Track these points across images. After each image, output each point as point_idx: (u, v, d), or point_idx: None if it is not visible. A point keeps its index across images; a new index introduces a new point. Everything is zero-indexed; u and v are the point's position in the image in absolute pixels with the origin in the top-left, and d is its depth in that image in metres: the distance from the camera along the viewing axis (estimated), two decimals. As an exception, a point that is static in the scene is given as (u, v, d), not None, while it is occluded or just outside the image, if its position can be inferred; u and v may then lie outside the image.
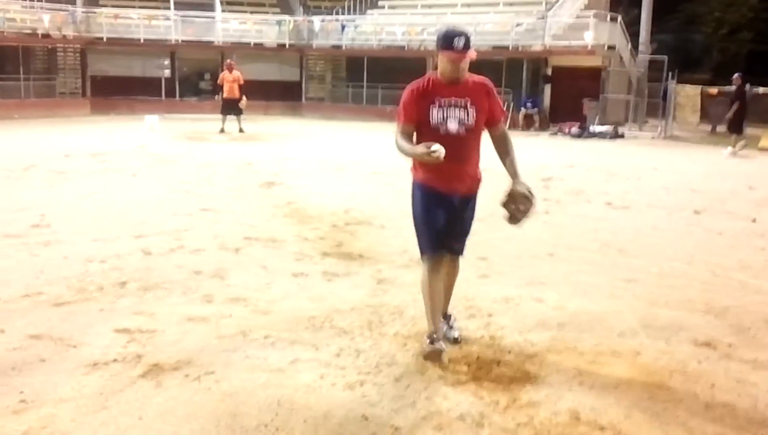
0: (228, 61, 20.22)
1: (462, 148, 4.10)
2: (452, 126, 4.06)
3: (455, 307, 5.14)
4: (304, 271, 6.08)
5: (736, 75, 19.40)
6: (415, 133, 4.15)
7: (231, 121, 19.65)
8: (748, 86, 19.39)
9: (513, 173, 4.28)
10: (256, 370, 3.93)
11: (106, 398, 3.56)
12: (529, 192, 4.23)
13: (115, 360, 4.04)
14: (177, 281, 5.66)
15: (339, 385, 3.76)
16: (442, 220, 4.19)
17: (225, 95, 19.70)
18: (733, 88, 19.32)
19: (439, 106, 4.06)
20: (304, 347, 4.30)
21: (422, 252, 4.29)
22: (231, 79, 19.51)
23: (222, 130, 19.49)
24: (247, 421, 3.35)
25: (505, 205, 4.27)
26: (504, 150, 4.38)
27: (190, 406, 3.49)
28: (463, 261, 6.58)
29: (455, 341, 4.42)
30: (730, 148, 18.10)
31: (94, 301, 5.10)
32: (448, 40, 3.96)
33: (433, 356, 4.07)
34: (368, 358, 4.15)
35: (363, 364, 4.06)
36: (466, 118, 4.08)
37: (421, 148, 3.89)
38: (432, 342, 4.11)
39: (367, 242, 7.24)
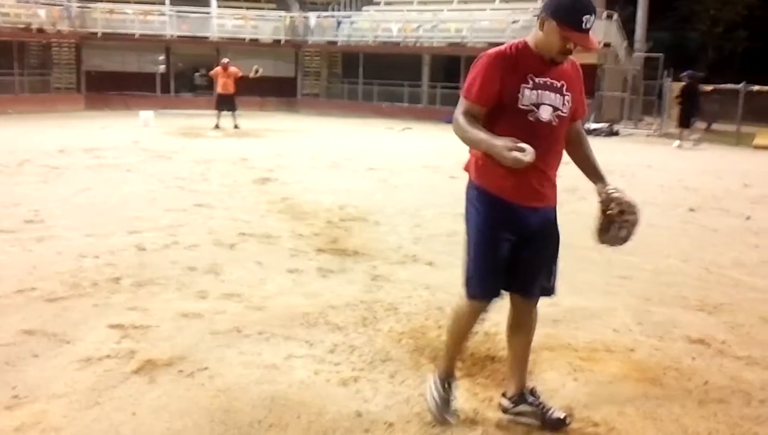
0: (224, 61, 20.19)
1: (550, 143, 3.14)
2: (545, 114, 3.10)
3: (450, 303, 5.15)
4: (299, 267, 6.07)
5: (684, 73, 20.34)
6: (484, 118, 3.12)
7: (226, 117, 19.62)
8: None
9: (601, 176, 3.26)
10: (249, 366, 3.92)
11: (99, 394, 3.55)
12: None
13: (108, 356, 4.02)
14: (171, 277, 5.64)
15: (333, 381, 3.75)
16: (511, 248, 3.17)
17: (219, 90, 19.69)
18: (732, 86, 19.99)
19: (534, 86, 3.09)
20: (298, 343, 4.29)
21: (471, 291, 3.23)
22: (225, 75, 19.49)
23: (217, 126, 19.47)
24: (241, 417, 3.34)
25: (612, 217, 3.17)
26: (584, 149, 3.35)
27: (184, 402, 3.48)
28: (459, 258, 6.63)
29: (563, 423, 3.30)
30: (677, 142, 19.55)
31: (87, 297, 5.08)
32: (575, 15, 2.98)
33: (440, 421, 3.34)
34: (362, 354, 4.14)
35: (357, 360, 4.06)
36: (561, 105, 3.13)
37: (503, 142, 2.91)
38: (445, 401, 3.37)
39: (362, 239, 7.23)
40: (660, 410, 3.52)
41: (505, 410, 3.40)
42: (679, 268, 6.52)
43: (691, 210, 9.64)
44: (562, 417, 3.29)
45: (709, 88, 24.11)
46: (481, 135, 3.00)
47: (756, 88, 22.44)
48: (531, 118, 3.08)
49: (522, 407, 3.36)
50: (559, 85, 3.12)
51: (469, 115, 3.09)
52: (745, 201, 10.58)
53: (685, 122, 19.94)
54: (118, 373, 3.81)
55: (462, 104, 3.14)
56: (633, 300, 5.42)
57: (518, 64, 3.09)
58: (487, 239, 3.16)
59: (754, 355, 4.35)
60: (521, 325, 3.40)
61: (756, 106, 23.52)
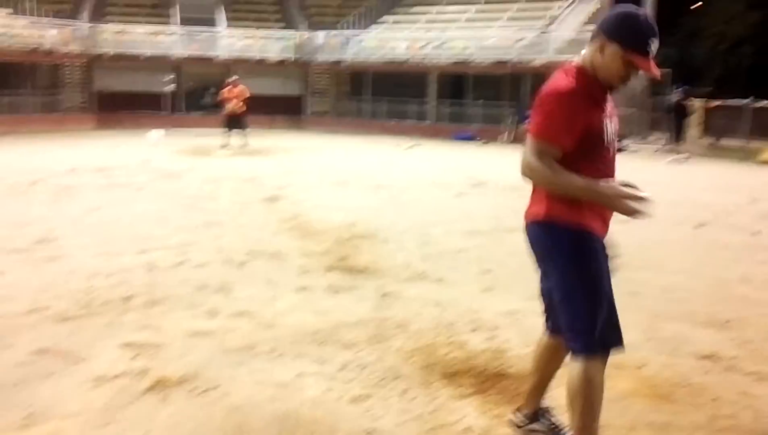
0: (232, 79, 20.32)
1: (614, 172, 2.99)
2: (614, 145, 2.98)
3: (459, 320, 5.19)
4: (309, 284, 6.11)
5: (678, 88, 20.74)
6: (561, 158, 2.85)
7: (235, 136, 19.70)
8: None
9: None
10: (261, 384, 3.95)
11: (113, 412, 3.58)
12: None
13: (121, 374, 4.05)
14: (182, 295, 5.68)
15: (344, 399, 3.78)
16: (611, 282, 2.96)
17: (229, 111, 19.80)
18: (738, 101, 20.19)
19: (608, 116, 2.92)
20: (309, 361, 4.32)
21: (606, 343, 2.92)
22: (234, 95, 19.61)
23: (226, 145, 19.57)
24: (254, 434, 3.37)
25: None
26: None
27: (197, 420, 3.51)
28: (468, 274, 6.69)
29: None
30: (670, 156, 20.23)
31: (100, 316, 5.12)
32: (641, 38, 2.81)
33: None
34: (373, 371, 4.17)
35: (368, 377, 4.08)
36: (614, 134, 2.99)
37: (613, 191, 2.77)
38: None
39: (372, 256, 7.27)
40: (671, 427, 3.54)
41: (518, 426, 3.41)
42: (688, 284, 6.52)
43: (700, 225, 9.64)
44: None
45: (715, 103, 24.18)
46: (579, 181, 2.78)
47: (763, 103, 22.46)
48: (611, 153, 2.94)
49: (535, 425, 3.38)
50: (612, 111, 2.97)
51: (548, 158, 2.79)
52: (752, 216, 10.57)
53: (678, 137, 20.31)
54: (131, 391, 3.84)
55: (536, 146, 2.81)
56: (642, 316, 5.43)
57: (592, 95, 2.87)
58: (595, 279, 2.88)
59: (763, 371, 4.36)
60: (561, 354, 3.27)
61: (763, 121, 23.55)
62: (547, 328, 3.31)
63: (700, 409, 3.76)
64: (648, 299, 5.95)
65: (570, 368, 2.98)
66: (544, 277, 3.15)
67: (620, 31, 2.82)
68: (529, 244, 3.10)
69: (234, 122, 19.69)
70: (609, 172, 2.90)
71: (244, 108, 19.75)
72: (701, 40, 40.61)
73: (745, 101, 22.04)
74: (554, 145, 2.79)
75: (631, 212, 2.75)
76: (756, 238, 8.89)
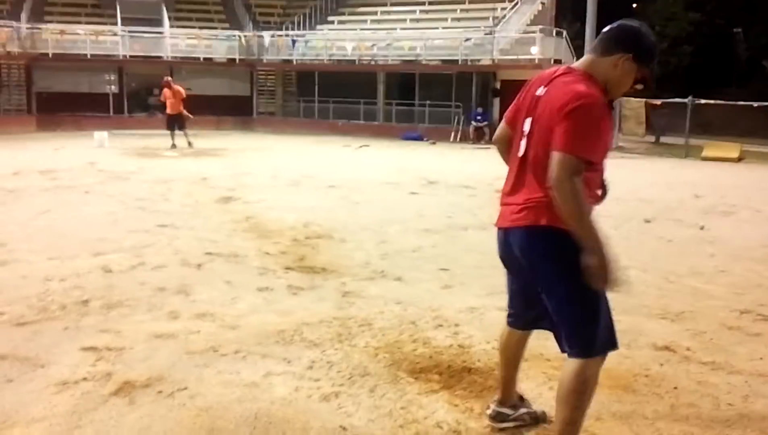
0: (165, 79, 20.12)
1: None
2: None
3: (422, 317, 5.24)
4: (269, 285, 6.08)
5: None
6: None
7: (179, 136, 19.57)
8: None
9: None
10: (229, 385, 3.93)
11: (79, 417, 3.52)
12: None
13: (84, 378, 3.99)
14: (141, 298, 5.60)
15: (314, 397, 3.79)
16: None
17: (168, 111, 19.65)
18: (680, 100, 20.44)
19: None
20: (275, 361, 4.32)
21: (605, 346, 3.01)
22: (172, 95, 19.47)
23: (173, 146, 19.40)
24: (225, 435, 3.36)
25: None
26: None
27: (166, 423, 3.48)
28: (426, 272, 6.75)
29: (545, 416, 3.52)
30: None
31: (57, 320, 5.02)
32: (652, 53, 3.02)
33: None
34: (341, 369, 4.18)
35: (336, 375, 4.09)
36: None
37: (610, 256, 2.80)
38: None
39: (329, 256, 7.27)
40: (635, 416, 3.64)
41: (503, 418, 3.46)
42: (640, 278, 6.68)
43: (647, 221, 9.90)
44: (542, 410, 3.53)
45: (657, 102, 24.80)
46: (594, 226, 2.76)
47: (702, 101, 23.13)
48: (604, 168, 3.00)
49: (521, 411, 3.49)
50: None
51: (579, 177, 2.73)
52: (697, 211, 10.90)
53: None
54: (96, 395, 3.78)
55: (570, 164, 2.72)
56: None
57: (606, 106, 2.89)
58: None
59: (718, 360, 4.51)
60: (524, 346, 3.47)
61: (702, 119, 24.29)
62: (516, 326, 3.39)
63: (662, 399, 3.88)
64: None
65: (567, 367, 3.01)
66: (524, 281, 3.15)
67: (639, 47, 2.94)
68: (517, 249, 3.03)
69: (175, 123, 19.56)
70: (601, 181, 3.03)
71: (182, 108, 19.64)
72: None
73: (686, 100, 22.66)
74: (586, 160, 2.77)
75: (607, 281, 2.80)
76: (702, 232, 9.16)
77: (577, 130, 2.76)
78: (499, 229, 3.18)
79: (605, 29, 3.07)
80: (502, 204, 3.17)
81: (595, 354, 2.96)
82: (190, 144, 19.48)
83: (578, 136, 2.76)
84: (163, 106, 19.92)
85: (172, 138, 19.65)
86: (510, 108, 3.28)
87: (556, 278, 2.93)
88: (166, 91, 19.68)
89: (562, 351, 3.07)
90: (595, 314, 2.91)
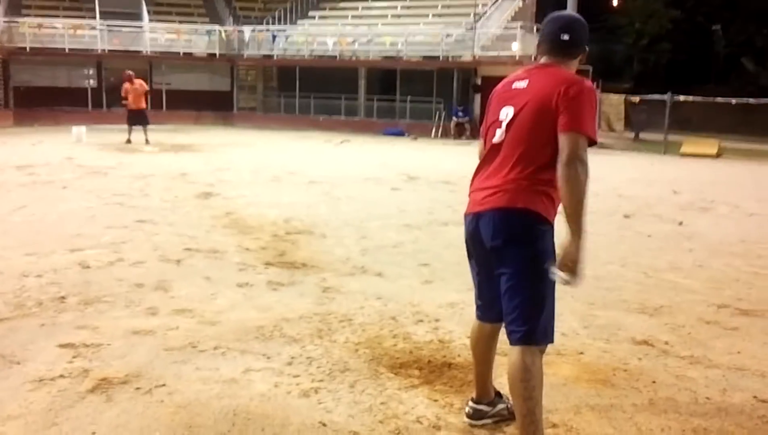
0: (127, 72, 19.76)
1: None
2: None
3: (402, 313, 5.23)
4: (249, 281, 6.05)
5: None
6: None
7: (137, 132, 19.32)
8: None
9: None
10: (208, 381, 3.90)
11: (55, 414, 3.48)
12: None
13: (61, 375, 3.94)
14: (119, 294, 5.55)
15: (294, 393, 3.76)
16: None
17: (131, 106, 19.37)
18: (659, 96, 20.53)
19: None
20: (255, 357, 4.29)
21: (551, 336, 3.12)
22: (133, 90, 19.21)
23: (128, 141, 19.21)
24: (204, 432, 3.33)
25: None
26: None
27: (144, 420, 3.45)
28: (407, 268, 6.74)
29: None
30: None
31: (33, 317, 4.96)
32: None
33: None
34: (321, 365, 4.17)
35: (316, 371, 4.08)
36: None
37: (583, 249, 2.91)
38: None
39: (309, 251, 7.25)
40: (614, 409, 3.65)
41: (482, 415, 3.46)
42: (619, 273, 6.73)
43: (626, 217, 9.96)
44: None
45: (636, 98, 24.96)
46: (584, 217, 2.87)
47: (681, 98, 23.30)
48: None
49: (500, 407, 3.49)
50: None
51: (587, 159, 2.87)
52: (676, 207, 10.98)
53: None
54: (73, 392, 3.74)
55: (584, 143, 2.88)
56: (578, 305, 5.57)
57: None
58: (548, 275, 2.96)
59: (696, 355, 4.54)
60: (496, 340, 3.47)
61: (680, 115, 24.45)
62: (486, 319, 3.37)
63: (640, 392, 3.90)
64: (582, 288, 6.02)
65: (510, 357, 3.06)
66: (489, 269, 3.14)
67: (587, 38, 3.15)
68: (487, 231, 3.03)
69: (137, 118, 19.33)
70: None
71: (143, 104, 19.42)
72: (621, 37, 41.76)
73: (665, 96, 22.81)
74: (593, 140, 2.93)
75: (575, 271, 2.86)
76: (680, 227, 9.23)
77: (584, 111, 2.89)
78: (468, 214, 3.17)
79: (556, 32, 3.11)
80: (472, 192, 3.17)
81: (535, 342, 3.01)
82: (147, 141, 19.20)
83: (587, 116, 2.89)
84: (124, 99, 19.48)
85: (129, 133, 19.35)
86: (483, 125, 3.30)
87: (520, 262, 2.96)
88: (127, 85, 19.26)
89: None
90: (543, 303, 2.99)
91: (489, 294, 3.24)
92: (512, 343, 3.05)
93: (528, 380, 2.98)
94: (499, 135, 3.07)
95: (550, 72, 3.04)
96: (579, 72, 3.12)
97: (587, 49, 3.15)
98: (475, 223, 3.11)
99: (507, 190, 2.98)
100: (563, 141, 2.85)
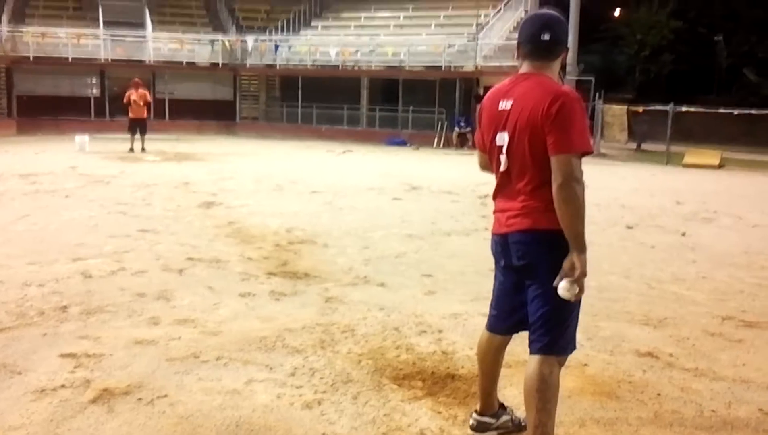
0: (134, 79, 19.89)
1: None
2: None
3: (405, 323, 5.21)
4: (251, 291, 6.03)
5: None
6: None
7: (137, 141, 19.51)
8: None
9: None
10: (210, 392, 3.88)
11: (57, 425, 3.46)
12: None
13: (63, 386, 3.93)
14: (121, 304, 5.54)
15: (297, 405, 3.74)
16: None
17: (132, 115, 19.47)
18: (662, 107, 20.51)
19: None
20: (257, 367, 4.27)
21: (572, 345, 3.18)
22: (137, 98, 19.31)
23: (131, 150, 19.31)
24: (206, 443, 3.31)
25: None
26: None
27: (146, 431, 3.43)
28: (410, 278, 6.73)
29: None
30: None
31: (35, 326, 4.95)
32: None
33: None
34: (324, 376, 4.15)
35: (319, 382, 4.06)
36: None
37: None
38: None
39: (312, 261, 7.23)
40: (618, 422, 3.63)
41: (486, 428, 3.43)
42: (622, 284, 6.71)
43: (629, 227, 9.94)
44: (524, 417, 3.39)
45: (639, 109, 24.97)
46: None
47: (684, 108, 23.30)
48: None
49: (504, 419, 3.47)
50: None
51: (581, 178, 2.87)
52: (679, 218, 10.96)
53: None
54: (74, 403, 3.72)
55: (574, 164, 2.84)
56: (581, 316, 5.42)
57: None
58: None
59: (701, 367, 4.52)
60: (504, 352, 3.48)
61: (682, 126, 24.44)
62: (499, 329, 3.36)
63: (645, 405, 3.87)
64: (585, 299, 5.94)
65: (528, 366, 3.06)
66: (512, 280, 3.18)
67: (567, 36, 3.14)
68: (516, 251, 3.07)
69: (137, 126, 19.45)
70: None
71: (145, 112, 19.56)
72: (623, 48, 41.80)
73: (667, 107, 22.81)
74: (585, 152, 2.89)
75: (580, 285, 2.89)
76: (683, 238, 9.21)
77: (571, 126, 2.84)
78: (495, 235, 3.21)
79: (536, 32, 3.06)
80: (497, 211, 3.21)
81: (556, 352, 3.05)
82: (143, 149, 19.35)
83: (574, 131, 2.84)
84: (127, 106, 19.58)
85: (131, 142, 19.49)
86: (477, 137, 3.34)
87: (547, 277, 2.95)
88: (131, 92, 19.37)
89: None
90: (568, 316, 3.05)
91: (507, 305, 3.27)
92: (532, 351, 3.06)
93: (544, 391, 2.98)
94: (504, 163, 3.09)
95: (531, 85, 3.00)
96: (578, 83, 3.12)
97: (568, 48, 3.11)
98: (503, 243, 3.15)
99: (527, 214, 3.01)
100: (555, 164, 2.85)
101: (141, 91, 19.44)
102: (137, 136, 19.41)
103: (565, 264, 2.88)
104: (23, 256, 6.99)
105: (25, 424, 3.46)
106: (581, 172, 2.84)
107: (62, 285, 6.03)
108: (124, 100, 19.64)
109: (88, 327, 4.98)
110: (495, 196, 3.23)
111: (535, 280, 3.04)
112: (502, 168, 3.10)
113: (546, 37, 3.03)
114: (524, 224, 3.02)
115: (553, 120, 2.84)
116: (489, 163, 3.25)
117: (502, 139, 3.06)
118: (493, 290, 3.37)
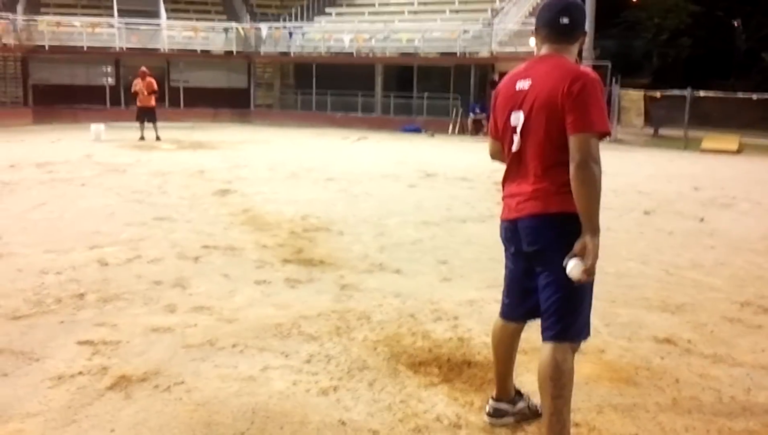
0: (141, 68, 19.93)
1: None
2: None
3: (421, 310, 5.20)
4: (267, 278, 6.04)
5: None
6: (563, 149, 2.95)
7: (148, 129, 19.57)
8: None
9: None
10: (227, 379, 3.89)
11: (74, 411, 3.48)
12: None
13: (80, 373, 3.94)
14: (137, 291, 5.56)
15: (313, 391, 3.74)
16: None
17: (139, 103, 19.59)
18: (679, 92, 20.31)
19: None
20: (273, 354, 4.27)
21: (586, 332, 3.12)
22: (144, 87, 19.38)
23: (142, 138, 19.40)
24: (223, 430, 3.31)
25: None
26: None
27: (163, 417, 3.44)
28: (425, 265, 6.71)
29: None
30: None
31: (53, 314, 4.98)
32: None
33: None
34: (339, 363, 4.14)
35: (335, 369, 4.05)
36: None
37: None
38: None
39: (327, 248, 7.22)
40: (637, 409, 3.60)
41: (503, 414, 3.42)
42: (640, 271, 6.66)
43: (646, 213, 9.86)
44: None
45: (656, 94, 24.74)
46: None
47: (702, 93, 23.06)
48: None
49: (520, 405, 3.45)
50: None
51: (599, 158, 2.82)
52: (696, 203, 10.86)
53: None
54: (92, 390, 3.74)
55: (593, 144, 2.81)
56: (598, 302, 5.42)
57: None
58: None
59: (719, 353, 4.47)
60: (519, 338, 3.46)
61: (700, 111, 24.18)
62: (512, 317, 3.34)
63: (663, 392, 3.84)
64: (603, 286, 5.99)
65: (542, 354, 3.03)
66: (524, 267, 3.15)
67: (585, 20, 3.09)
68: (526, 236, 3.04)
69: (145, 115, 19.56)
70: None
71: (154, 100, 19.62)
72: (640, 33, 41.41)
73: (685, 92, 22.58)
74: (605, 133, 2.86)
75: (592, 266, 2.84)
76: (701, 224, 9.12)
77: (591, 106, 2.82)
78: (505, 220, 3.18)
79: (554, 16, 3.03)
80: (506, 196, 3.17)
81: (569, 339, 3.00)
82: (158, 138, 19.44)
83: (593, 111, 2.82)
84: (135, 95, 19.69)
85: (141, 130, 19.59)
86: (490, 124, 3.30)
87: (558, 264, 2.90)
88: (138, 81, 19.44)
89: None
90: (580, 302, 3.01)
91: (520, 292, 3.24)
92: (545, 339, 3.03)
93: (558, 378, 2.95)
94: (516, 143, 3.06)
95: (551, 66, 2.98)
96: (594, 69, 3.08)
97: (586, 31, 3.11)
98: (512, 229, 3.12)
99: (538, 197, 2.98)
100: (574, 143, 2.81)
101: (148, 80, 19.47)
102: (148, 124, 19.48)
103: (577, 245, 2.84)
104: (40, 245, 7.03)
105: (43, 411, 3.48)
106: (599, 154, 2.81)
107: (79, 273, 6.06)
108: (132, 90, 19.82)
109: (104, 314, 5.00)
110: (504, 181, 3.20)
111: (546, 266, 3.00)
112: (514, 148, 3.06)
113: (565, 20, 3.00)
114: (535, 208, 2.97)
115: (574, 99, 2.82)
116: (501, 149, 3.21)
117: (517, 118, 3.03)
118: (505, 278, 3.35)
